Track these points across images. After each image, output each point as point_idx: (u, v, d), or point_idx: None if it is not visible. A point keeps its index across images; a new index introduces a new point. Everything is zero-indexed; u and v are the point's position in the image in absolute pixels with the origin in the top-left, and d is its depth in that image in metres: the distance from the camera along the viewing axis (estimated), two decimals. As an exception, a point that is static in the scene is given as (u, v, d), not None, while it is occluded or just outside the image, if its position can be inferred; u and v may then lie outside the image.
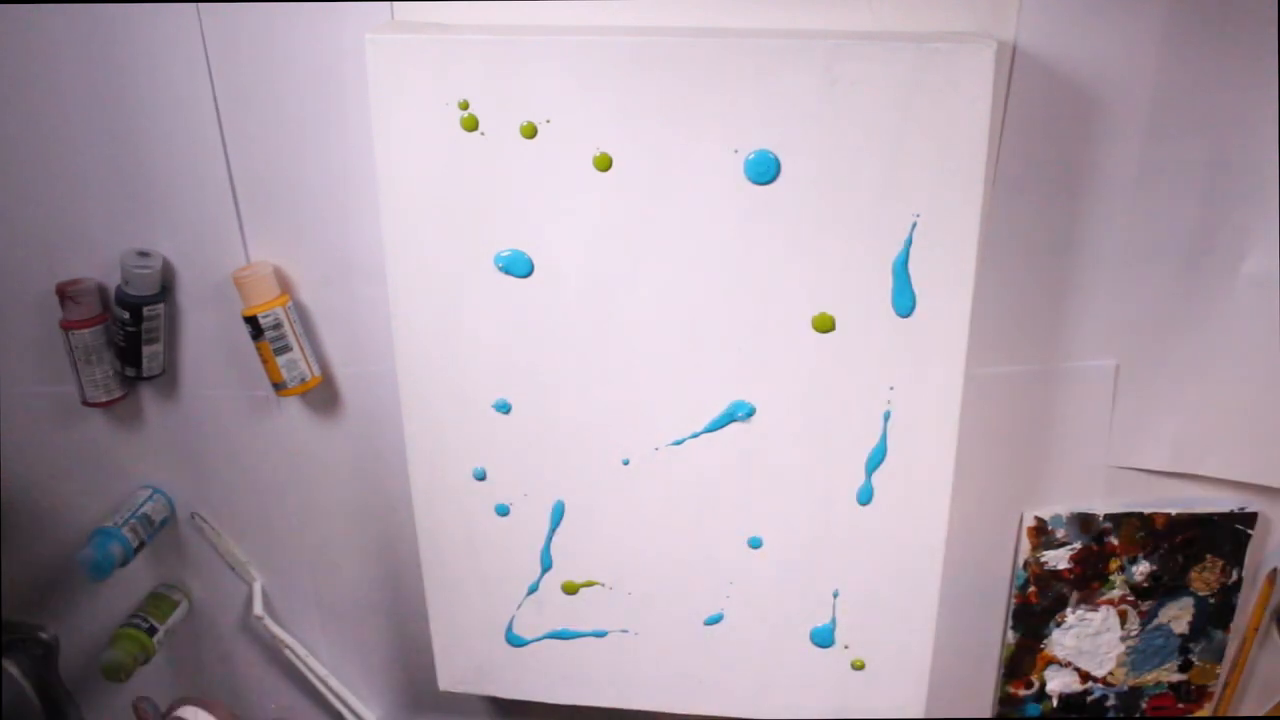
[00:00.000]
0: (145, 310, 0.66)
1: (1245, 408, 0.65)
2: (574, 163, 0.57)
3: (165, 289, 0.67)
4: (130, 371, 0.67)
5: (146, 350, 0.67)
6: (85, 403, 0.69)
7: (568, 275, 0.59)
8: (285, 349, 0.66)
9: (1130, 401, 0.67)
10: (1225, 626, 0.73)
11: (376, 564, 0.76)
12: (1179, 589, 0.72)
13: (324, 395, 0.70)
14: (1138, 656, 0.75)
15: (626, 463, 0.64)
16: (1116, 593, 0.72)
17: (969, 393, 0.61)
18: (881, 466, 0.62)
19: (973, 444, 0.65)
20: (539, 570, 0.68)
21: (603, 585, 0.68)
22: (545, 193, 0.58)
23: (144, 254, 0.66)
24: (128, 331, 0.66)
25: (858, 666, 0.68)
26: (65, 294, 0.66)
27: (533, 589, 0.68)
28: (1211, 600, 0.72)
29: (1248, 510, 0.70)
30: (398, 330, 0.62)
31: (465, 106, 0.56)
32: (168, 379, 0.71)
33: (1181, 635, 0.73)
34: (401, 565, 0.74)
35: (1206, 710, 0.76)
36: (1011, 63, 0.57)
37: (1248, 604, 0.73)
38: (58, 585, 0.78)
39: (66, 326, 0.67)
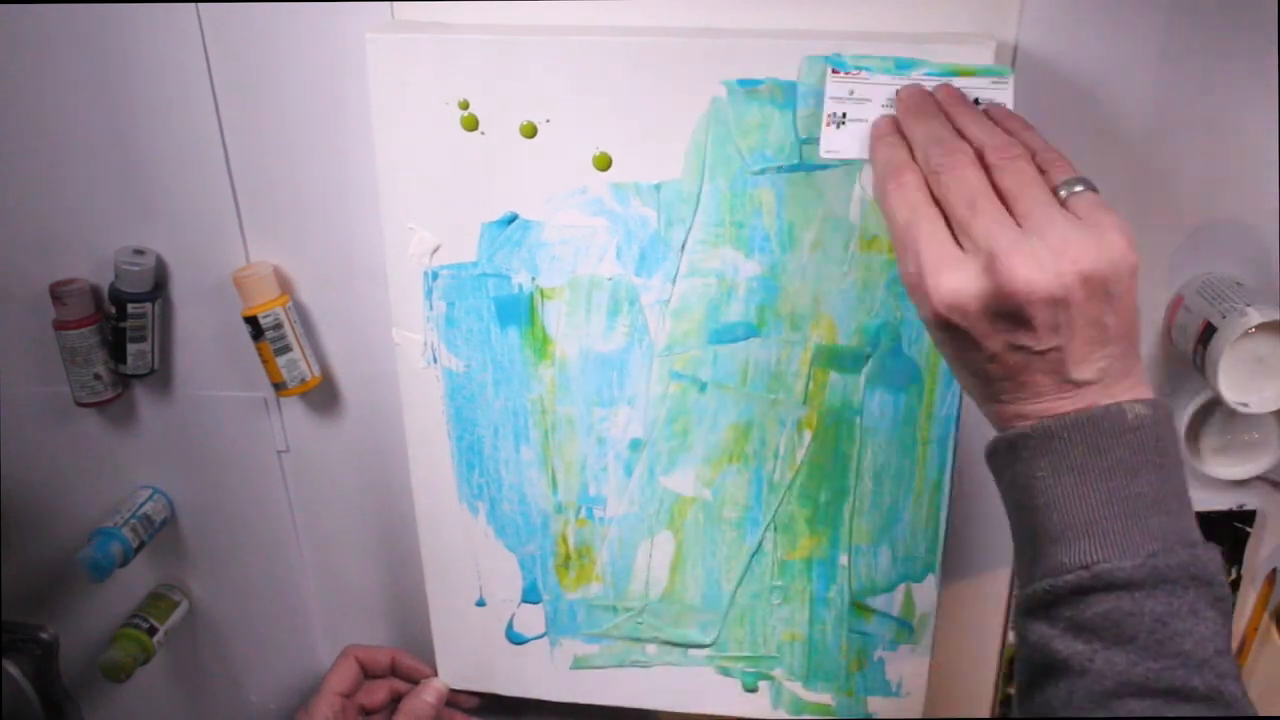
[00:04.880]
0: (130, 308, 0.66)
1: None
2: (574, 162, 0.57)
3: (159, 287, 0.67)
4: (122, 368, 0.67)
5: (131, 348, 0.67)
6: (77, 403, 0.69)
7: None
8: (285, 349, 0.66)
9: (1130, 401, 0.67)
10: (1225, 626, 0.73)
11: (376, 563, 0.76)
12: (1179, 588, 0.72)
13: (324, 395, 0.70)
14: (1137, 656, 0.75)
15: (628, 462, 0.64)
16: (1116, 592, 0.72)
17: (969, 393, 0.61)
18: (880, 469, 0.62)
19: (973, 442, 0.65)
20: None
21: (603, 584, 0.68)
22: (545, 192, 0.58)
23: (139, 251, 0.66)
24: (116, 327, 0.66)
25: (856, 669, 0.68)
26: (55, 294, 0.66)
27: (534, 586, 0.68)
28: (1211, 599, 0.72)
29: (1246, 508, 0.70)
30: (398, 330, 0.62)
31: (465, 106, 0.56)
32: (165, 379, 0.71)
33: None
34: (402, 564, 0.74)
35: (1206, 709, 0.76)
36: (1012, 63, 0.57)
37: (1247, 604, 0.73)
38: (58, 585, 0.78)
39: (57, 327, 0.67)
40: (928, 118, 0.47)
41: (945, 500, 0.63)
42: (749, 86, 0.54)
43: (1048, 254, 0.40)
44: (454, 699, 0.73)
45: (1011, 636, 0.74)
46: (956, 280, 0.41)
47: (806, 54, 0.53)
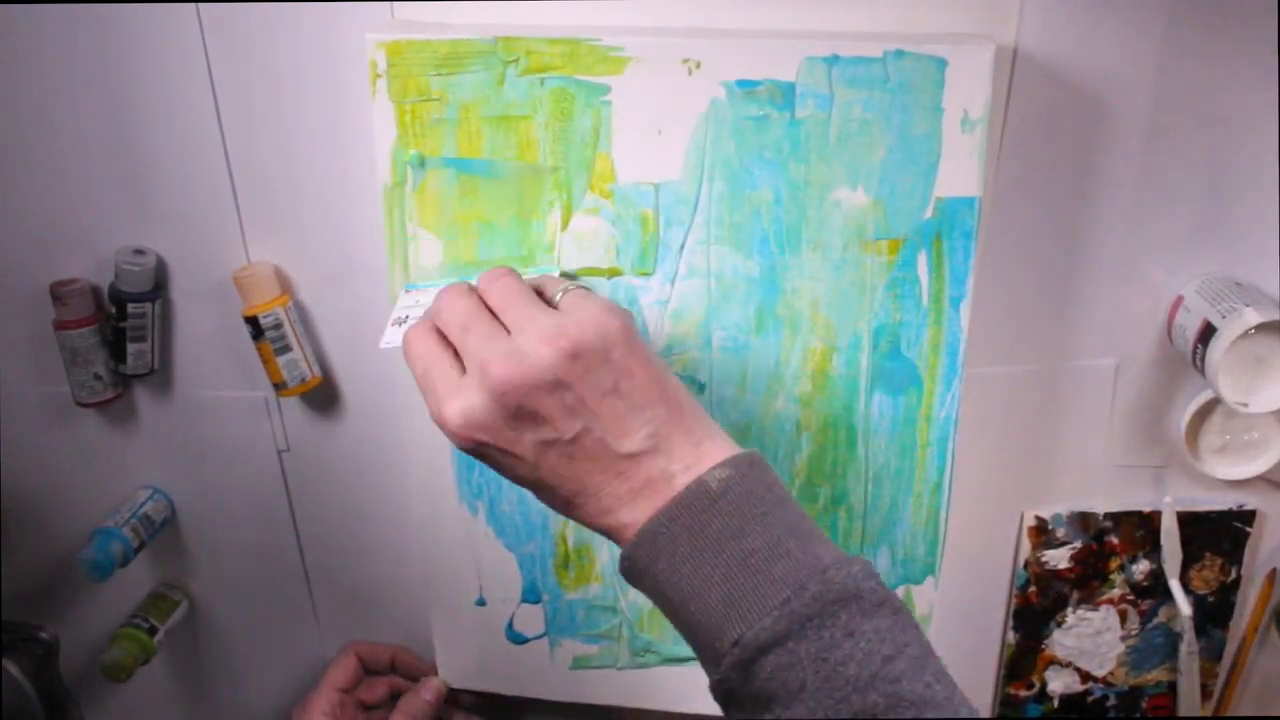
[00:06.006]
0: (130, 307, 0.66)
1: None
2: (574, 163, 0.57)
3: (159, 287, 0.67)
4: (122, 368, 0.67)
5: (131, 348, 0.67)
6: (77, 403, 0.69)
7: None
8: (285, 349, 0.66)
9: (1130, 401, 0.67)
10: (1224, 625, 0.73)
11: (376, 563, 0.76)
12: (1178, 588, 0.72)
13: (324, 395, 0.70)
14: (1137, 656, 0.75)
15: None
16: (1116, 592, 0.72)
17: (969, 393, 0.61)
18: (880, 471, 0.62)
19: (973, 444, 0.65)
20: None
21: (603, 583, 0.68)
22: (545, 193, 0.58)
23: (140, 251, 0.66)
24: (116, 327, 0.66)
25: (857, 666, 0.68)
26: (55, 294, 0.66)
27: (534, 586, 0.68)
28: (1210, 599, 0.72)
29: (1246, 508, 0.70)
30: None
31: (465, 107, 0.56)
32: (166, 379, 0.71)
33: (1181, 634, 0.73)
34: (402, 564, 0.74)
35: (1206, 710, 0.76)
36: (1012, 64, 0.57)
37: (1247, 604, 0.73)
38: (58, 585, 0.78)
39: (57, 327, 0.67)
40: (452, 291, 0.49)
41: (944, 502, 0.63)
42: (747, 88, 0.54)
43: (529, 346, 0.43)
44: (453, 698, 0.73)
45: (1011, 637, 0.74)
46: (459, 403, 0.44)
47: (805, 55, 0.53)
